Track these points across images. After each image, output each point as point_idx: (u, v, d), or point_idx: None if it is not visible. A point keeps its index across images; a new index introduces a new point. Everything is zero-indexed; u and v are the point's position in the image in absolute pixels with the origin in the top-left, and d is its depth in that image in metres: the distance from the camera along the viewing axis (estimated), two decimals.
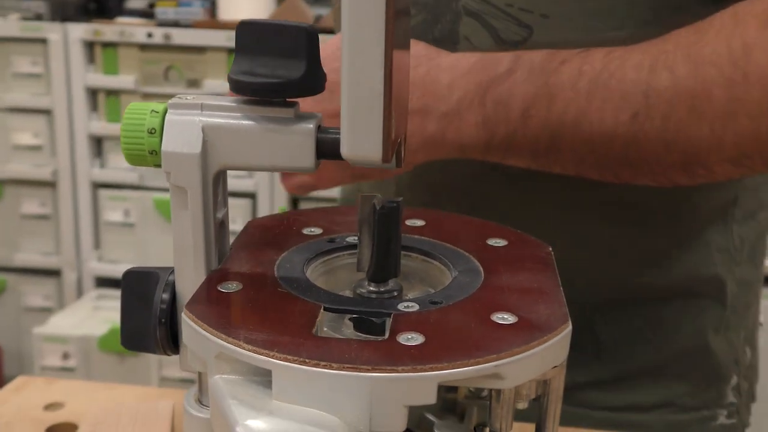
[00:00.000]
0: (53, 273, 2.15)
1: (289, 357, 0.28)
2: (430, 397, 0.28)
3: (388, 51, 0.27)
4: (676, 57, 0.44)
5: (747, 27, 0.42)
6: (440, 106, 0.48)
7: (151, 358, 1.86)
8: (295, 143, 0.33)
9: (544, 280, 0.35)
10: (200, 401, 0.33)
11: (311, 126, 0.33)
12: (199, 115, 0.33)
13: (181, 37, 2.04)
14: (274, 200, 1.99)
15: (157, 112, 0.33)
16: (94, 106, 2.12)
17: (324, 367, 0.28)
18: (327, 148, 0.33)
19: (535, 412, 0.34)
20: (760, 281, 0.67)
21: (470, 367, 0.28)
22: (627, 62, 0.45)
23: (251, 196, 1.99)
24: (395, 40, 0.29)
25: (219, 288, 0.33)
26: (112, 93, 2.12)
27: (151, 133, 0.33)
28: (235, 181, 1.96)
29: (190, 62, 2.08)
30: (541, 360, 0.30)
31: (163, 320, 0.35)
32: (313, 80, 0.32)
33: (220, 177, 0.35)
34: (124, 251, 2.13)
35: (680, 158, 0.45)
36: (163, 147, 0.33)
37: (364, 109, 0.29)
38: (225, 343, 0.29)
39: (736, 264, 0.62)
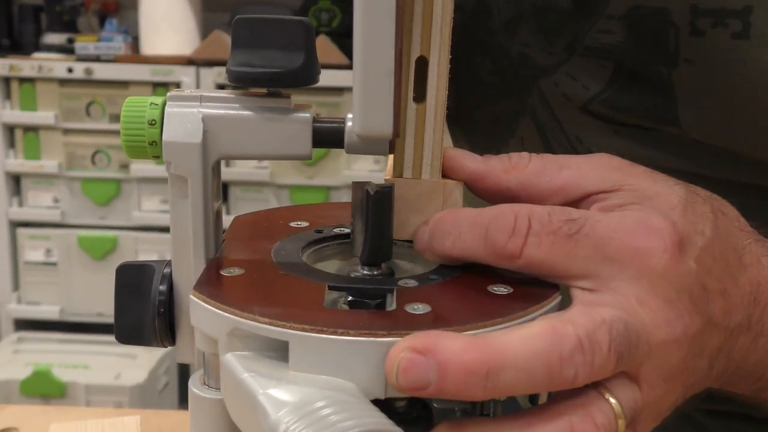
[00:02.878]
0: None
1: (306, 327, 0.29)
2: None
3: (398, 38, 0.29)
4: None
5: None
6: (724, 307, 0.33)
7: (79, 398, 1.80)
8: (293, 132, 0.35)
9: None
10: (206, 383, 0.34)
11: (308, 115, 0.35)
12: (199, 107, 0.34)
13: (103, 71, 2.02)
14: None
15: (157, 105, 0.34)
16: (11, 142, 2.07)
17: (341, 334, 0.29)
18: (323, 137, 0.35)
19: None
20: None
21: (479, 330, 0.30)
22: None
23: None
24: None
25: (222, 272, 0.34)
26: (31, 129, 2.06)
27: (151, 124, 0.34)
28: None
29: (112, 97, 2.05)
30: None
31: (161, 311, 0.36)
32: (311, 71, 0.34)
33: (217, 167, 0.36)
34: (45, 292, 2.06)
35: None
36: (165, 137, 0.34)
37: (376, 89, 0.30)
38: (240, 319, 0.30)
39: None
